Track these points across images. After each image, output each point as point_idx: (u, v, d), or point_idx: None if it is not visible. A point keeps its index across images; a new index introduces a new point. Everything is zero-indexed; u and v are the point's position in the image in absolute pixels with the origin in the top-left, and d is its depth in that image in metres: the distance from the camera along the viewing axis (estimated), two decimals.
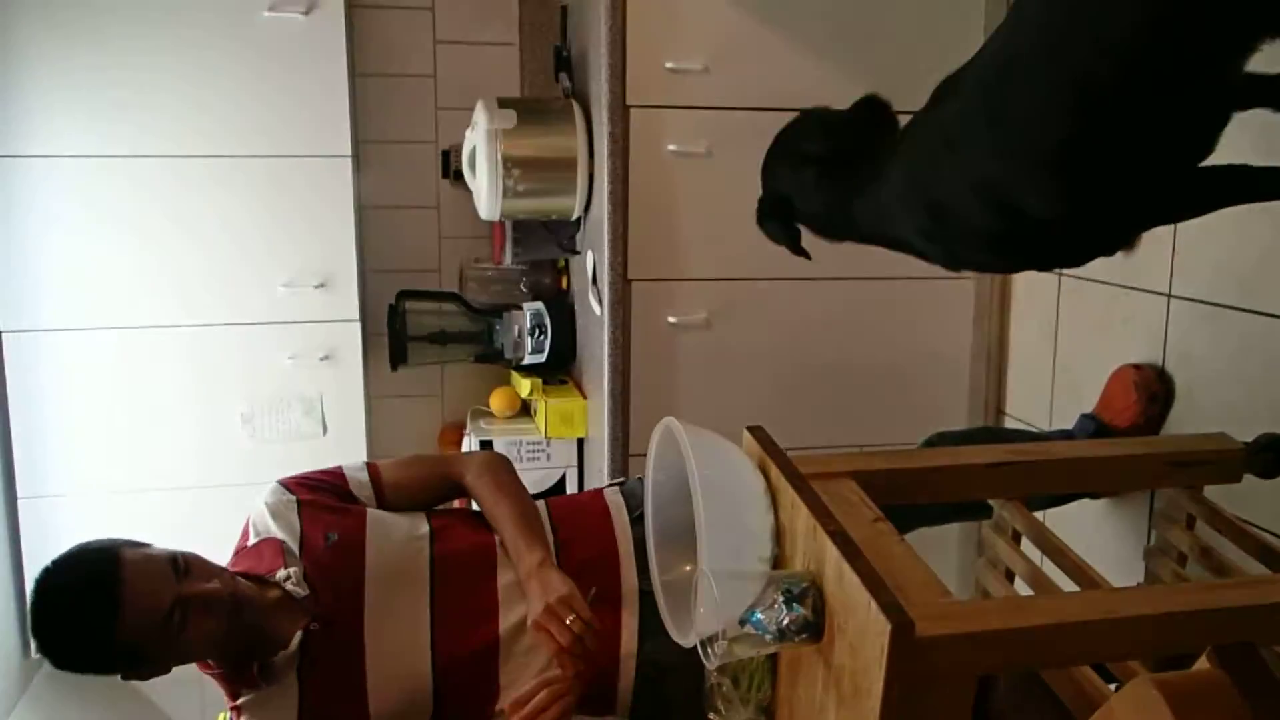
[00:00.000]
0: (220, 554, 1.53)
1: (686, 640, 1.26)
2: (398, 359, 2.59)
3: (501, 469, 1.64)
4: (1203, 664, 0.98)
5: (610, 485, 1.76)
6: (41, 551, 2.41)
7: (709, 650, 1.14)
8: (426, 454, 1.74)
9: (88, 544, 1.40)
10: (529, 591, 1.44)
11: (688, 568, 1.38)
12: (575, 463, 2.59)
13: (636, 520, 1.54)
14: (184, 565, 1.37)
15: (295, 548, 1.48)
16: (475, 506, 1.64)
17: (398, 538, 1.52)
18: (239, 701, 1.43)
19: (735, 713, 1.29)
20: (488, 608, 1.48)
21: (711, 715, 1.30)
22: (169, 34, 2.35)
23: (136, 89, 2.35)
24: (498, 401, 2.69)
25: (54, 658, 1.36)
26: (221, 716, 2.10)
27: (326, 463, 1.64)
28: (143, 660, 1.37)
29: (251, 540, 1.53)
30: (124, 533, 2.55)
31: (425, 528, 1.55)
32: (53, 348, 2.40)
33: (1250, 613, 1.04)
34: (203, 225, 2.43)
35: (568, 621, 1.36)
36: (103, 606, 1.31)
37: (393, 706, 1.44)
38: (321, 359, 2.52)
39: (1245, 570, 1.50)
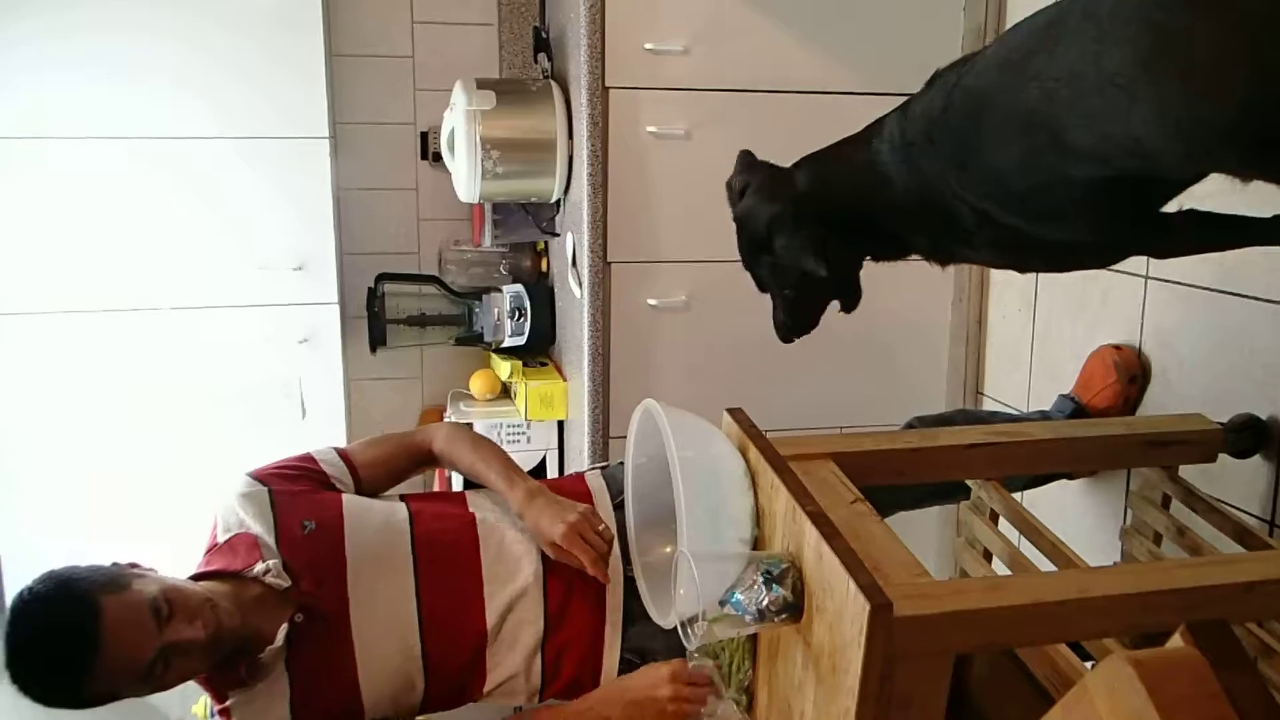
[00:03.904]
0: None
1: (666, 622, 1.27)
2: (377, 342, 2.58)
3: (467, 432, 1.69)
4: (1176, 641, 0.99)
5: (592, 469, 1.75)
6: (15, 542, 2.42)
7: (689, 631, 1.14)
8: (390, 433, 1.74)
9: (69, 586, 1.30)
10: (537, 518, 1.48)
11: (668, 549, 1.39)
12: (556, 445, 2.59)
13: (619, 506, 1.54)
14: (167, 610, 1.30)
15: (271, 540, 1.44)
16: (456, 485, 1.64)
17: (376, 522, 1.50)
18: (227, 704, 1.40)
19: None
20: (473, 588, 1.47)
21: None
22: (142, 13, 2.31)
23: (109, 69, 2.31)
24: (478, 384, 2.68)
25: (30, 698, 1.30)
26: (200, 703, 2.09)
27: (305, 446, 1.62)
28: (121, 697, 1.34)
29: (222, 536, 1.47)
30: (104, 520, 2.51)
31: (404, 511, 1.53)
32: (22, 331, 2.36)
33: (1223, 591, 1.05)
34: (179, 207, 2.40)
35: (599, 530, 1.46)
36: (77, 668, 1.25)
37: (385, 690, 1.43)
38: (300, 342, 2.49)
39: (1219, 549, 1.52)
